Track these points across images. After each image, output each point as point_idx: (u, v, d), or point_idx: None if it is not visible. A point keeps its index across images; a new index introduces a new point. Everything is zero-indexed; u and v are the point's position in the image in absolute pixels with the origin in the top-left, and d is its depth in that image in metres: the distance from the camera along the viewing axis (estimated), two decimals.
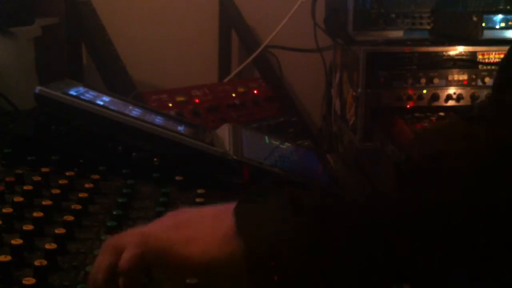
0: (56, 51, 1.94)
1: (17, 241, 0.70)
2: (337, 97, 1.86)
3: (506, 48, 1.67)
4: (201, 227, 0.63)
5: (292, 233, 0.58)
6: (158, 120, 1.16)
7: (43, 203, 0.82)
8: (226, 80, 2.14)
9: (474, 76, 1.65)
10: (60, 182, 0.91)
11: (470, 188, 0.57)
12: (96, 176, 0.96)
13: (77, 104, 1.03)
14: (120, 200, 0.89)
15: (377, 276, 0.57)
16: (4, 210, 0.78)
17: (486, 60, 1.64)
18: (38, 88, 1.02)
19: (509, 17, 1.71)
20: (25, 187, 0.86)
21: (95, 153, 1.03)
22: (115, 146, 1.04)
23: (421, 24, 1.70)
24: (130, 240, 0.62)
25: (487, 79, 1.64)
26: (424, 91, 1.63)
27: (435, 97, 1.63)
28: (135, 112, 1.13)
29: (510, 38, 1.71)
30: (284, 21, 2.07)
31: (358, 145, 1.62)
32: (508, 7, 1.71)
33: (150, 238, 0.62)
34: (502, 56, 1.64)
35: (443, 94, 1.64)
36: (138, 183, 0.99)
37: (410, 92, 1.62)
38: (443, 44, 1.65)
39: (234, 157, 1.10)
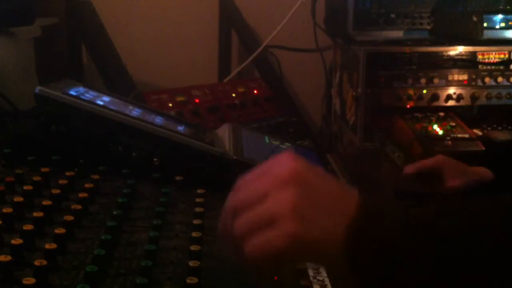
0: (56, 51, 1.94)
1: (17, 241, 0.69)
2: (337, 97, 1.86)
3: (506, 48, 1.68)
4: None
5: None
6: (158, 120, 1.16)
7: (43, 203, 0.81)
8: (226, 80, 2.14)
9: (474, 76, 1.65)
10: (60, 182, 0.91)
11: None
12: (96, 176, 0.96)
13: (77, 104, 1.03)
14: (120, 200, 0.89)
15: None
16: (4, 210, 0.77)
17: (486, 60, 1.64)
18: (38, 88, 1.02)
19: (509, 17, 1.71)
20: (25, 187, 0.86)
21: (95, 153, 1.03)
22: (115, 146, 1.04)
23: (421, 24, 1.71)
24: None
25: (487, 79, 1.64)
26: (424, 91, 1.63)
27: (435, 97, 1.63)
28: (135, 112, 1.13)
29: (510, 38, 1.71)
30: (284, 21, 2.07)
31: (358, 145, 1.62)
32: (508, 7, 1.72)
33: None
34: (502, 56, 1.65)
35: (443, 94, 1.64)
36: (138, 183, 0.99)
37: (410, 92, 1.63)
38: (443, 44, 1.66)
39: (234, 157, 1.10)
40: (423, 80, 1.63)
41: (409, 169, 1.21)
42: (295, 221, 0.56)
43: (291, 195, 0.58)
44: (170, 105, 1.69)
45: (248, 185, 0.62)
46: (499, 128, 1.63)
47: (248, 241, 0.57)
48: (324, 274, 0.78)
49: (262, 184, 0.60)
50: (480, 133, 1.59)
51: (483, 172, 1.18)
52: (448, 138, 1.53)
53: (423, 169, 1.21)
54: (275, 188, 0.59)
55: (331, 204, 0.59)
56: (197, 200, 0.94)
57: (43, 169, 0.95)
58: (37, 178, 0.91)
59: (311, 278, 0.76)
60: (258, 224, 0.57)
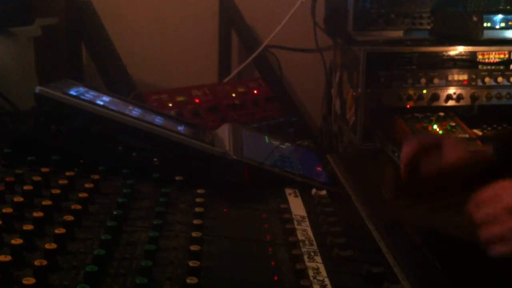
0: (56, 51, 1.94)
1: (17, 241, 0.70)
2: (337, 97, 1.86)
3: (506, 48, 1.68)
4: None
5: None
6: (158, 120, 1.16)
7: (43, 203, 0.82)
8: (226, 80, 2.14)
9: (474, 76, 1.65)
10: (60, 182, 0.91)
11: None
12: (96, 176, 0.96)
13: (77, 104, 1.03)
14: (120, 200, 0.89)
15: None
16: (4, 210, 0.78)
17: (486, 60, 1.64)
18: (38, 88, 1.02)
19: (509, 17, 1.71)
20: (25, 187, 0.86)
21: (95, 153, 1.03)
22: (115, 146, 1.04)
23: (421, 24, 1.70)
24: None
25: (487, 79, 1.64)
26: (424, 91, 1.63)
27: (435, 97, 1.63)
28: (135, 112, 1.14)
29: (510, 38, 1.71)
30: (284, 21, 2.07)
31: (358, 145, 1.62)
32: (508, 7, 1.71)
33: None
34: (502, 56, 1.65)
35: (443, 94, 1.64)
36: (138, 183, 0.99)
37: (410, 92, 1.62)
38: (443, 44, 1.65)
39: (234, 157, 1.10)
40: (423, 80, 1.63)
41: (406, 160, 1.20)
42: None
43: None
44: (170, 105, 1.69)
45: (484, 205, 0.94)
46: (499, 128, 1.63)
47: (492, 244, 0.92)
48: (324, 274, 0.78)
49: (495, 208, 0.93)
50: (480, 133, 1.59)
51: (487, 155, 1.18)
52: None
53: (421, 152, 1.19)
54: (504, 215, 0.91)
55: None
56: (197, 200, 0.94)
57: (43, 169, 0.95)
58: (37, 178, 0.91)
59: (311, 278, 0.76)
60: (496, 237, 0.91)
